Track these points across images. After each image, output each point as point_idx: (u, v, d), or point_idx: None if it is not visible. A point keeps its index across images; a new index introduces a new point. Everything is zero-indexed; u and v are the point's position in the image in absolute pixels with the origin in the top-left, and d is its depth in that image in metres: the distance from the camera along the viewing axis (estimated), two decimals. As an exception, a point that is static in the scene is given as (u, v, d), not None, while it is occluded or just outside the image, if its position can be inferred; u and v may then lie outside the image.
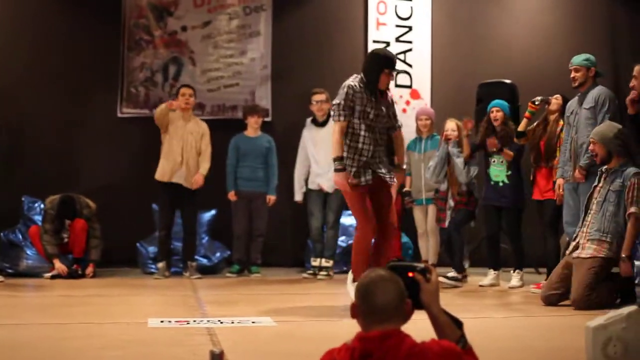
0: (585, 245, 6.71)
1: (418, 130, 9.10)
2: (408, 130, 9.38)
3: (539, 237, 9.28)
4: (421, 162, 8.94)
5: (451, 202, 8.59)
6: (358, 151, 6.47)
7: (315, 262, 9.31)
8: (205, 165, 9.17)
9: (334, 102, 6.61)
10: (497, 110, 8.32)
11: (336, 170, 6.50)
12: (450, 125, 8.56)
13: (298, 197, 9.50)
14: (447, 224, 8.59)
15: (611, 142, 6.73)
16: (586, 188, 7.18)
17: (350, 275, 6.62)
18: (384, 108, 6.59)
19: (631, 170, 6.68)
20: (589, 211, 6.87)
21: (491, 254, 8.47)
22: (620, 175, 6.72)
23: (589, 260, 6.61)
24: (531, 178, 8.28)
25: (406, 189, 9.02)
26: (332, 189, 8.99)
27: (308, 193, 9.44)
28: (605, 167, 6.84)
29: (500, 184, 8.26)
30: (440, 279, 8.46)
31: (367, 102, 6.47)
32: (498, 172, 8.27)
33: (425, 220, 9.02)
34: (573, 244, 6.91)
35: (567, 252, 6.99)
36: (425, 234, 9.05)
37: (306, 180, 9.46)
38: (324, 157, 9.05)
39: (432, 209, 8.92)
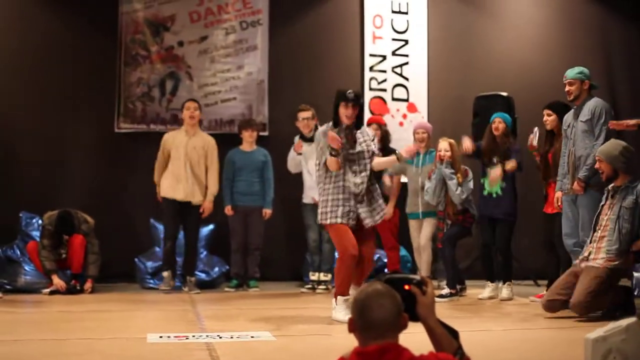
0: (598, 256, 6.73)
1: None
2: (404, 144, 9.37)
3: (538, 249, 9.32)
4: (418, 176, 8.93)
5: (448, 222, 8.63)
6: (334, 197, 6.73)
7: (314, 277, 9.31)
8: (212, 190, 9.21)
9: (315, 162, 6.93)
10: (499, 121, 8.36)
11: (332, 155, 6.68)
12: (443, 145, 8.55)
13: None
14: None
15: (617, 160, 6.78)
16: (585, 200, 7.20)
17: (333, 301, 6.76)
18: (359, 141, 6.82)
19: None
20: (598, 228, 6.87)
21: (486, 265, 8.49)
22: (632, 192, 6.76)
23: (598, 269, 6.63)
24: (544, 193, 8.30)
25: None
26: None
27: (303, 207, 9.44)
28: (612, 185, 6.87)
29: (494, 195, 8.28)
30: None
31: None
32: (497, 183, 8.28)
33: (419, 234, 8.99)
34: (581, 257, 6.92)
35: (576, 262, 6.99)
36: (419, 249, 9.00)
37: (301, 195, 9.48)
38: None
39: (427, 223, 8.91)
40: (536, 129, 8.27)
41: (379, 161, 6.90)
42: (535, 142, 8.21)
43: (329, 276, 9.24)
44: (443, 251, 8.60)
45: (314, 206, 9.22)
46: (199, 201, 9.15)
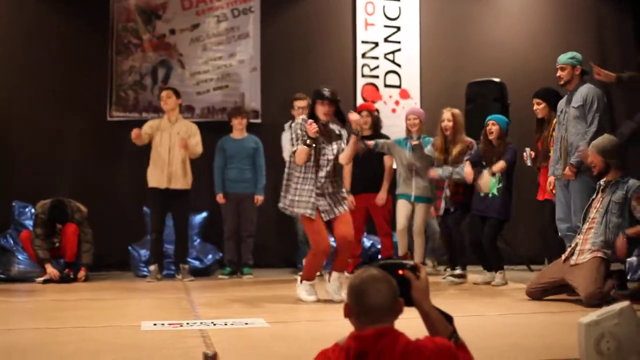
0: (584, 251, 6.75)
1: (407, 130, 9.07)
2: (397, 130, 9.43)
3: (531, 236, 9.35)
4: (412, 161, 8.90)
5: (447, 191, 8.62)
6: (301, 188, 7.01)
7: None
8: (197, 150, 9.17)
9: (290, 137, 7.15)
10: (492, 123, 8.30)
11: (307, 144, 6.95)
12: (447, 115, 8.62)
13: None
14: (441, 212, 8.65)
15: (610, 155, 6.78)
16: (576, 185, 7.22)
17: (297, 279, 7.25)
18: (334, 142, 7.09)
19: (635, 182, 6.77)
20: (587, 220, 6.89)
21: (480, 257, 8.49)
22: (622, 187, 6.77)
23: (591, 260, 6.64)
24: (538, 182, 8.34)
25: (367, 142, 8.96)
26: None
27: None
28: (604, 179, 6.89)
29: (490, 195, 8.26)
30: (448, 278, 8.54)
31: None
32: (491, 184, 8.26)
33: (408, 216, 8.94)
34: (569, 249, 6.94)
35: (563, 257, 7.00)
36: (405, 230, 8.91)
37: None
38: None
39: (420, 208, 8.89)
40: (527, 149, 8.26)
41: (345, 153, 7.11)
42: (529, 162, 8.24)
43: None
44: (452, 234, 8.60)
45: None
46: (183, 186, 9.12)
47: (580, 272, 6.63)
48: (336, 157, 7.07)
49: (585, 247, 6.76)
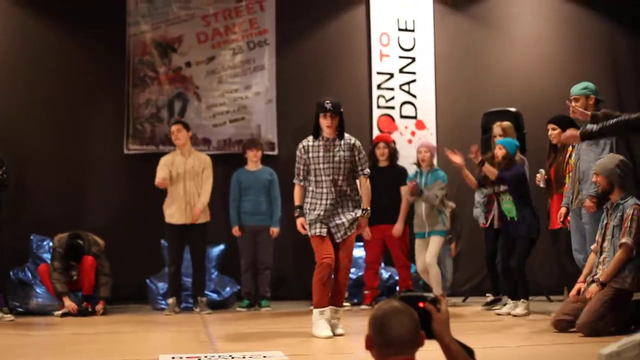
0: (600, 280, 6.69)
1: (417, 164, 9.08)
2: (411, 161, 9.39)
3: (549, 266, 9.29)
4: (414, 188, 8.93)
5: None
6: (312, 206, 6.87)
7: None
8: (202, 200, 9.20)
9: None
10: (499, 147, 8.35)
11: (296, 216, 6.97)
12: (497, 131, 8.71)
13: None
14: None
15: (613, 173, 6.74)
16: (587, 217, 7.17)
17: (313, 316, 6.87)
18: (341, 153, 6.86)
19: (630, 202, 6.71)
20: (603, 249, 6.85)
21: (507, 283, 8.45)
22: (620, 209, 6.72)
23: (603, 291, 6.59)
24: (547, 210, 8.32)
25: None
26: None
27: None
28: (609, 201, 6.85)
29: (515, 218, 8.25)
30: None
31: (318, 153, 6.88)
32: (509, 208, 8.27)
33: (425, 254, 8.94)
34: (589, 279, 6.88)
35: (584, 284, 6.94)
36: (425, 270, 8.92)
37: None
38: None
39: (432, 240, 8.88)
40: (542, 171, 8.25)
41: (364, 196, 7.00)
42: (542, 184, 8.22)
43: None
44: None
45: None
46: (202, 220, 9.15)
47: (591, 300, 6.58)
48: (349, 171, 6.87)
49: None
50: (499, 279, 8.82)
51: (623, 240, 6.55)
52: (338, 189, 6.82)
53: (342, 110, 6.89)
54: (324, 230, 6.78)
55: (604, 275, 6.58)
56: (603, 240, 6.86)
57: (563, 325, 6.81)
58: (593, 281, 6.78)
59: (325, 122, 6.83)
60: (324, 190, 6.82)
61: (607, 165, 6.77)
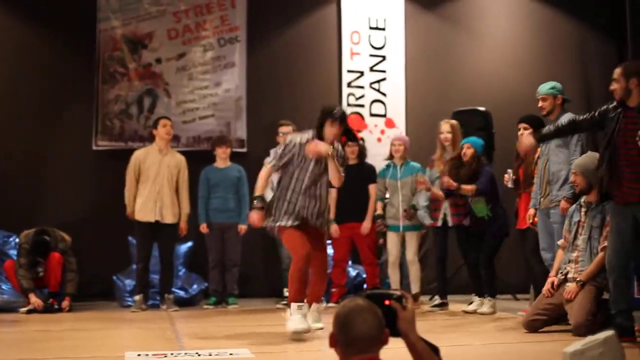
0: (576, 278, 6.72)
1: (390, 156, 9.12)
2: (382, 159, 9.41)
3: (516, 265, 9.34)
4: (397, 189, 8.96)
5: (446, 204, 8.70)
6: (286, 199, 6.69)
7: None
8: (185, 210, 9.21)
9: (276, 149, 6.90)
10: (467, 146, 8.39)
11: (253, 208, 6.80)
12: (445, 128, 8.73)
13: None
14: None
15: (592, 174, 6.74)
16: (557, 216, 7.21)
17: (288, 311, 6.62)
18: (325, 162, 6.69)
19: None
20: (575, 246, 6.88)
21: (474, 280, 8.50)
22: (601, 210, 6.74)
23: (586, 288, 6.62)
24: (515, 209, 8.36)
25: (378, 212, 9.04)
26: None
27: None
28: (584, 200, 6.88)
29: (486, 217, 8.29)
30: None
31: (310, 159, 6.66)
32: (480, 208, 8.31)
33: (399, 247, 9.02)
34: (561, 277, 6.91)
35: (555, 282, 6.96)
36: (397, 262, 9.03)
37: None
38: None
39: (411, 237, 8.94)
40: (510, 171, 8.28)
41: (330, 174, 6.72)
42: (510, 184, 8.25)
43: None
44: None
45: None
46: (170, 220, 9.12)
47: (575, 301, 6.60)
48: (324, 176, 6.72)
49: (577, 277, 6.73)
50: (447, 281, 8.86)
51: (605, 244, 6.50)
52: (316, 196, 6.72)
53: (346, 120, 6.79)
54: (292, 221, 6.64)
55: (584, 275, 6.61)
56: (575, 238, 6.89)
57: (536, 325, 6.81)
58: (566, 279, 6.81)
59: (332, 131, 6.62)
60: (297, 193, 6.68)
61: (588, 166, 6.73)
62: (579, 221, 6.89)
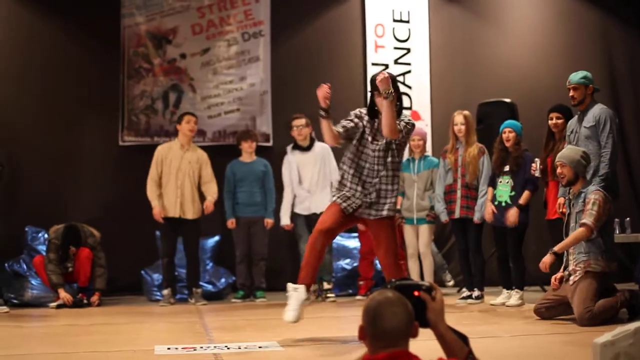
0: (575, 270, 6.77)
1: (410, 151, 9.14)
2: (406, 152, 9.40)
3: (543, 256, 9.29)
4: (414, 183, 9.02)
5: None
6: (344, 175, 6.28)
7: None
8: (213, 193, 9.24)
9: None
10: (509, 130, 8.28)
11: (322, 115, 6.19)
12: (459, 119, 8.65)
13: (285, 220, 9.49)
14: (476, 217, 8.56)
15: (579, 164, 6.82)
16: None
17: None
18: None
19: (592, 188, 6.82)
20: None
21: (502, 273, 8.48)
22: (582, 196, 6.82)
23: (584, 278, 6.66)
24: (544, 199, 8.33)
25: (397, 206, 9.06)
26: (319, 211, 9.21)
27: (295, 217, 9.45)
28: (571, 192, 6.91)
29: (503, 204, 8.28)
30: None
31: (371, 127, 6.28)
32: (502, 192, 8.29)
33: (416, 240, 9.08)
34: (565, 273, 6.96)
35: (557, 277, 7.02)
36: (416, 254, 9.12)
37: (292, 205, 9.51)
38: (309, 180, 9.33)
39: (423, 229, 8.99)
40: (537, 160, 8.22)
41: (384, 123, 6.07)
42: (537, 173, 8.19)
43: (331, 285, 9.30)
44: (476, 256, 8.65)
45: (306, 217, 9.27)
46: (191, 216, 9.16)
47: (575, 291, 6.66)
48: (389, 157, 6.20)
49: (576, 267, 6.79)
50: (471, 273, 8.82)
51: (584, 220, 6.66)
52: (382, 168, 6.20)
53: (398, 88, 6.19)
54: (345, 204, 6.16)
55: (559, 247, 6.79)
56: (567, 230, 6.95)
57: (543, 313, 7.04)
58: (569, 275, 6.86)
59: (379, 102, 6.12)
60: (368, 166, 6.21)
61: (573, 157, 6.86)
62: (569, 214, 6.96)
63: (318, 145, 9.30)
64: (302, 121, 9.34)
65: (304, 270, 6.11)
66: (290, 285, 6.08)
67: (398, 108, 6.20)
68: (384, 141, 6.21)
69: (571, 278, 6.82)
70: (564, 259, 7.07)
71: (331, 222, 6.13)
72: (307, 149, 9.39)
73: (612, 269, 6.79)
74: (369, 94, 6.40)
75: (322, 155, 9.33)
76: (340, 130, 6.25)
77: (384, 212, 6.22)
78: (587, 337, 4.79)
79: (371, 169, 6.24)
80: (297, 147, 9.44)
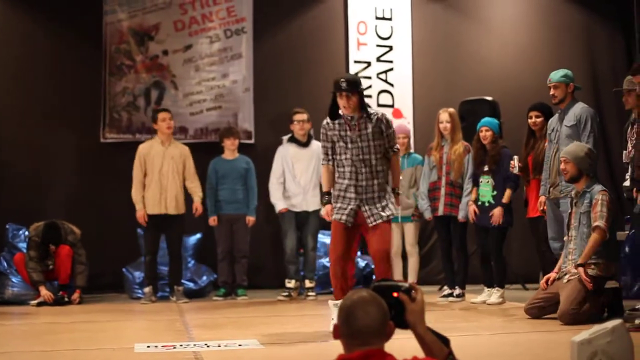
0: (572, 271, 6.76)
1: None
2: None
3: (526, 255, 9.32)
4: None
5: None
6: (338, 187, 6.41)
7: (289, 284, 9.29)
8: (199, 193, 9.28)
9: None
10: (486, 129, 8.32)
11: (323, 203, 6.75)
12: (445, 117, 8.64)
13: (281, 205, 9.45)
14: (460, 215, 8.56)
15: (583, 161, 6.78)
16: (566, 205, 7.21)
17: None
18: (369, 130, 6.30)
19: (597, 188, 6.79)
20: (570, 238, 6.92)
21: (484, 272, 8.50)
22: (588, 196, 6.79)
23: (578, 278, 6.65)
24: (524, 198, 8.34)
25: None
26: (311, 209, 9.34)
27: (280, 214, 9.47)
28: (575, 190, 6.91)
29: (487, 204, 8.30)
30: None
31: (340, 132, 6.37)
32: (485, 192, 8.32)
33: (399, 238, 9.10)
34: (561, 274, 6.95)
35: (556, 275, 7.01)
36: (399, 252, 9.14)
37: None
38: (303, 176, 9.34)
39: (409, 227, 9.02)
40: (516, 157, 8.23)
41: (394, 173, 6.56)
42: (516, 171, 8.19)
43: (313, 283, 9.31)
44: (459, 254, 8.68)
45: (296, 214, 9.28)
46: (175, 212, 9.14)
47: (566, 289, 6.66)
48: (374, 152, 6.31)
49: (572, 268, 6.78)
50: (454, 272, 8.83)
51: (596, 223, 6.62)
52: (369, 169, 6.33)
53: (361, 87, 6.39)
54: (347, 218, 6.33)
55: (582, 258, 6.65)
56: (569, 229, 6.94)
57: (534, 313, 6.96)
58: (565, 274, 6.86)
59: (341, 103, 6.24)
60: (348, 175, 6.33)
61: (578, 154, 6.81)
62: (570, 213, 6.94)
63: (315, 143, 9.29)
64: (304, 116, 9.34)
65: (336, 290, 6.39)
66: (331, 302, 6.38)
67: (364, 102, 6.38)
68: (360, 143, 6.34)
69: (567, 276, 6.81)
70: (561, 260, 7.05)
71: (341, 246, 6.36)
72: (305, 144, 9.39)
73: (610, 271, 6.79)
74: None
75: (318, 153, 9.31)
76: (330, 160, 6.51)
77: (384, 214, 6.37)
78: (566, 335, 4.81)
79: (355, 171, 6.34)
80: (294, 140, 9.43)
